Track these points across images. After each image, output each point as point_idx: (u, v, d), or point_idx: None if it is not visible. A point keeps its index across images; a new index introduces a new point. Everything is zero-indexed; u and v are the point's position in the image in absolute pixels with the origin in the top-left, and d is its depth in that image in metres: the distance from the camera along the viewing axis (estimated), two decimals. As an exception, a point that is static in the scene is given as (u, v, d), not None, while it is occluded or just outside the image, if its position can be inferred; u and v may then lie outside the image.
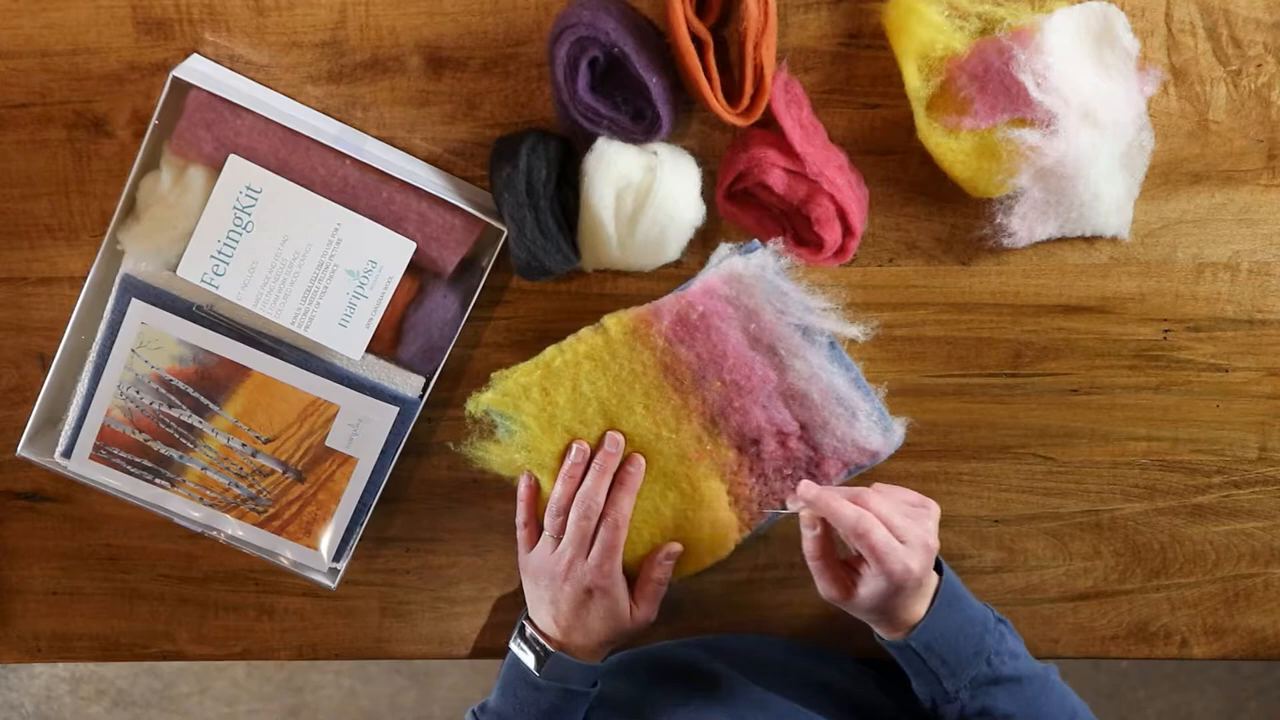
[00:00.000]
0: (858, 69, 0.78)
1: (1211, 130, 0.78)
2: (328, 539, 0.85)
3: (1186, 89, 0.78)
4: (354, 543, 0.86)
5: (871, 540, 0.69)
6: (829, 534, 0.74)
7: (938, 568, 0.77)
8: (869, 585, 0.72)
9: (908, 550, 0.70)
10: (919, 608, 0.74)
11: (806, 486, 0.73)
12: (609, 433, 0.80)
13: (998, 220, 0.78)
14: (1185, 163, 0.79)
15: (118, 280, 0.79)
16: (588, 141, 0.76)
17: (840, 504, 0.71)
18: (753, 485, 0.81)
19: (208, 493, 0.84)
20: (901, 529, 0.70)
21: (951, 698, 0.75)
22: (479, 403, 0.79)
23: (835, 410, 0.79)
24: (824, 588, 0.74)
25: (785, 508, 0.81)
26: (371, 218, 0.76)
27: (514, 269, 0.78)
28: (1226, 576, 0.88)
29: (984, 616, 0.76)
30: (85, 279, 0.80)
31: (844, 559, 0.75)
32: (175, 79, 0.73)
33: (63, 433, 0.83)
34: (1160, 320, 0.82)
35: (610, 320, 0.78)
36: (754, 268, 0.77)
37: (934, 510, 0.74)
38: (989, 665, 0.74)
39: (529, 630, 0.80)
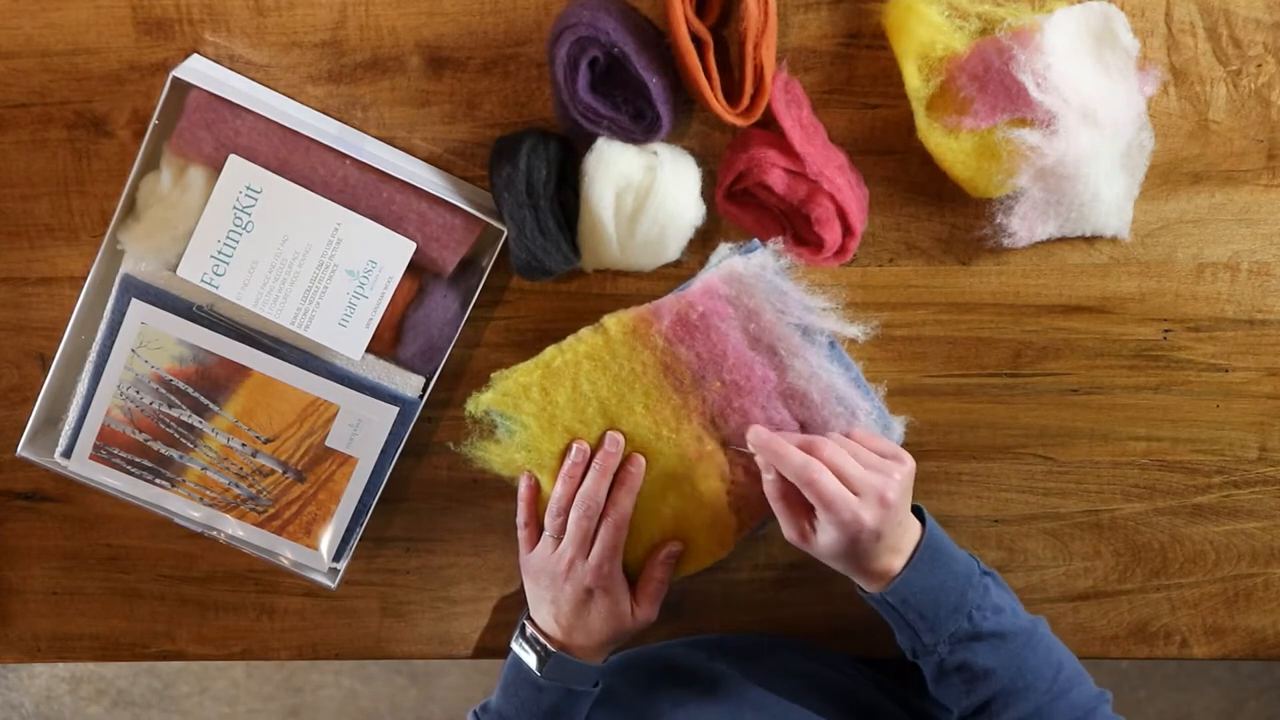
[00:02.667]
0: (858, 69, 0.78)
1: (1211, 130, 0.78)
2: (328, 539, 0.85)
3: (1186, 89, 0.78)
4: (354, 543, 0.86)
5: (818, 489, 0.69)
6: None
7: (922, 519, 0.75)
8: (824, 534, 0.71)
9: (860, 501, 0.69)
10: (895, 560, 0.72)
11: (756, 432, 0.73)
12: (609, 432, 0.79)
13: (998, 220, 0.78)
14: (1185, 163, 0.79)
15: (118, 280, 0.79)
16: (588, 141, 0.76)
17: (787, 450, 0.70)
18: (753, 485, 0.81)
19: (208, 493, 0.84)
20: (856, 479, 0.70)
21: (930, 650, 0.73)
22: (479, 403, 0.79)
23: (835, 410, 0.79)
24: (786, 530, 0.74)
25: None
26: (371, 218, 0.76)
27: (514, 269, 0.78)
28: (1226, 576, 0.88)
29: (968, 570, 0.74)
30: (85, 279, 0.80)
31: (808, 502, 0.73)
32: (175, 79, 0.73)
33: (63, 433, 0.83)
34: (1160, 320, 0.82)
35: (610, 320, 0.78)
36: (754, 268, 0.77)
37: (906, 464, 0.73)
38: (969, 621, 0.72)
39: (530, 630, 0.80)
